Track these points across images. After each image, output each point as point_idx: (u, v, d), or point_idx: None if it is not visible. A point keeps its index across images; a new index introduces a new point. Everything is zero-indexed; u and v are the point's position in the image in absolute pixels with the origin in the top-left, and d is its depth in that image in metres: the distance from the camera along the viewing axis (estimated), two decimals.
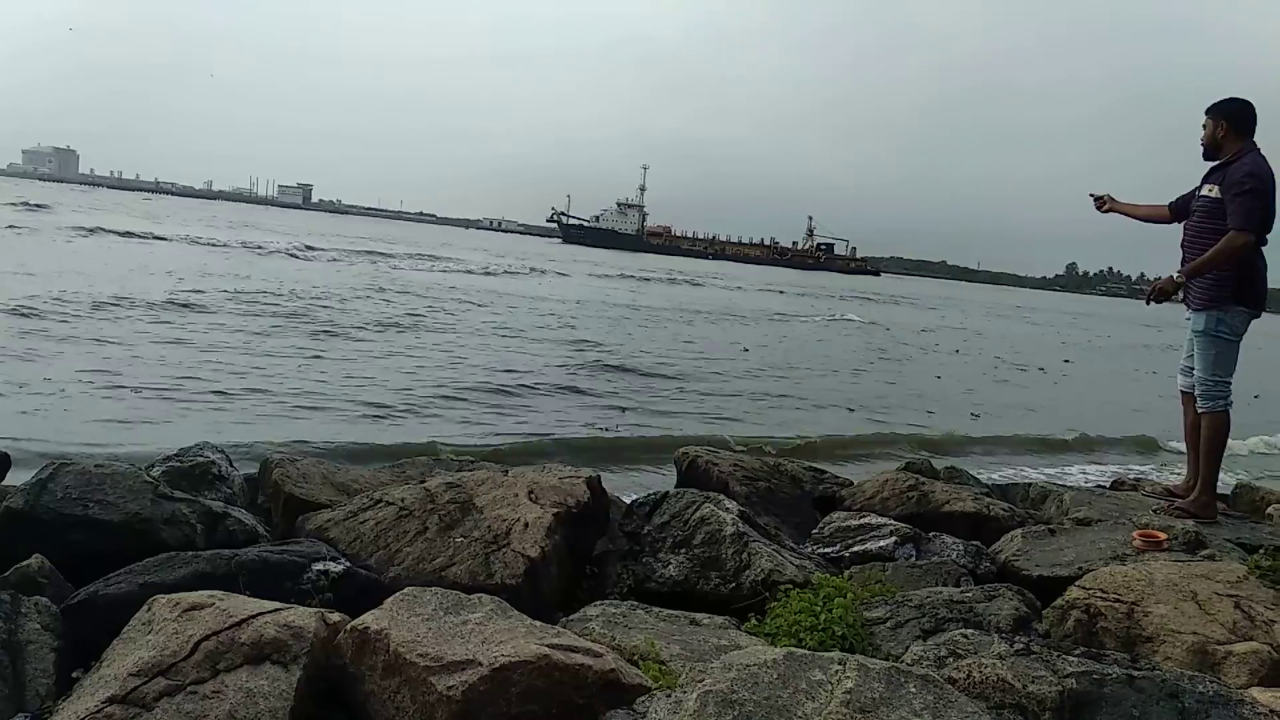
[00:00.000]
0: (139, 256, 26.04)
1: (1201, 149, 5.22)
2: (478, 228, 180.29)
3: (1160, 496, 5.56)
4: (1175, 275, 5.07)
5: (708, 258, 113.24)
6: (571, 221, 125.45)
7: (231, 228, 51.48)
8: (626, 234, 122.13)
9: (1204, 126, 5.19)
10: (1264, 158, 4.99)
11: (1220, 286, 5.02)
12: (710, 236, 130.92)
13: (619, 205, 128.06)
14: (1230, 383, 5.15)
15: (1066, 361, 23.54)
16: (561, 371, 12.86)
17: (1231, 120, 5.06)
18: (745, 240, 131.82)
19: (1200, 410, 5.21)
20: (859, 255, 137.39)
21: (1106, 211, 5.63)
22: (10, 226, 31.16)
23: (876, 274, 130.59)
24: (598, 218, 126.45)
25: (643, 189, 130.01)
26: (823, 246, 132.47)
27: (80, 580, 3.22)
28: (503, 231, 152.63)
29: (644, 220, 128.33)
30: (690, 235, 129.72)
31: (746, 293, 43.24)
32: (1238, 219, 4.87)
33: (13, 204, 46.38)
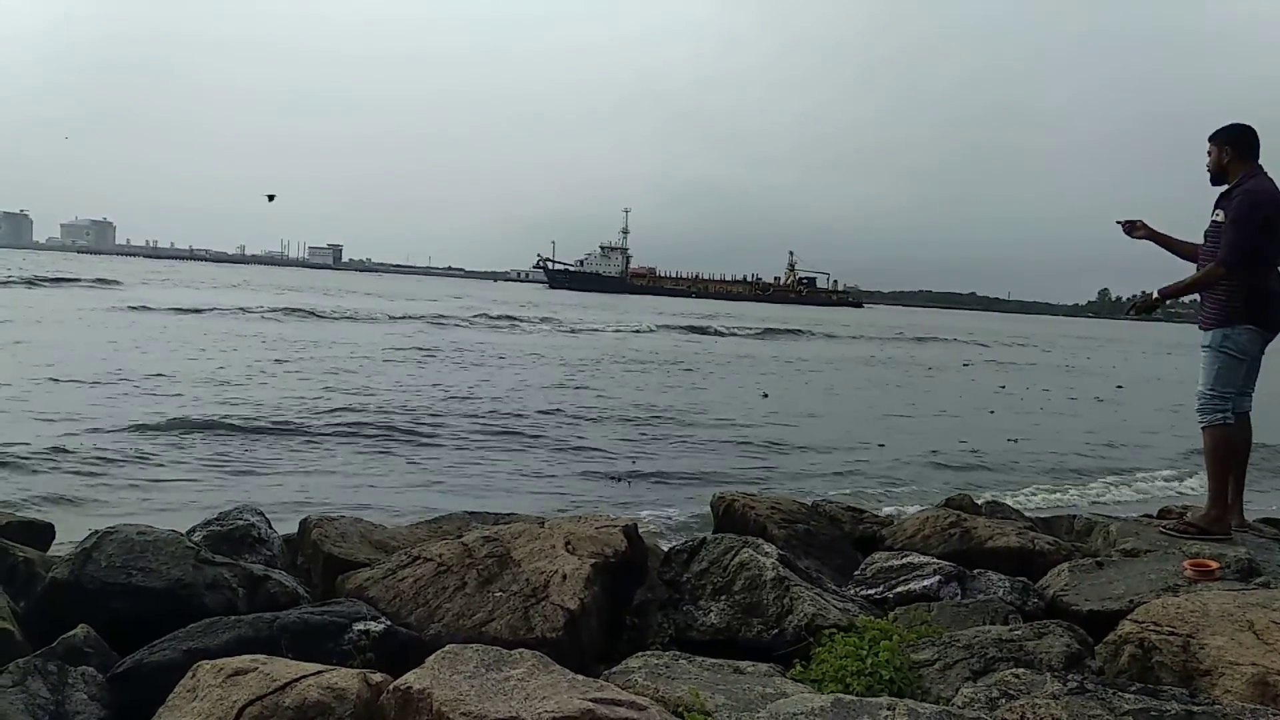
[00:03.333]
0: (368, 338, 26.04)
1: (1209, 175, 5.24)
2: (505, 279, 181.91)
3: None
4: (1155, 293, 5.13)
5: (691, 296, 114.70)
6: (557, 267, 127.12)
7: (344, 295, 52.63)
8: (610, 276, 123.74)
9: (1209, 154, 5.22)
10: (1270, 180, 5.03)
11: (1229, 305, 5.05)
12: (693, 275, 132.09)
13: (602, 248, 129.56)
14: (1229, 398, 5.13)
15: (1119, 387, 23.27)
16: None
17: (1235, 145, 5.12)
18: (728, 278, 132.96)
19: (1200, 424, 5.20)
20: (847, 287, 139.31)
21: (1140, 238, 5.58)
22: (136, 307, 31.11)
23: (859, 305, 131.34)
24: (581, 262, 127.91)
25: (625, 231, 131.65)
26: (804, 280, 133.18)
27: (125, 648, 3.25)
28: (530, 282, 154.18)
29: (628, 262, 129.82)
30: (674, 275, 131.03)
31: (839, 341, 42.28)
32: (1223, 251, 4.94)
33: (83, 279, 46.20)
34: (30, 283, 41.89)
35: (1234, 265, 4.94)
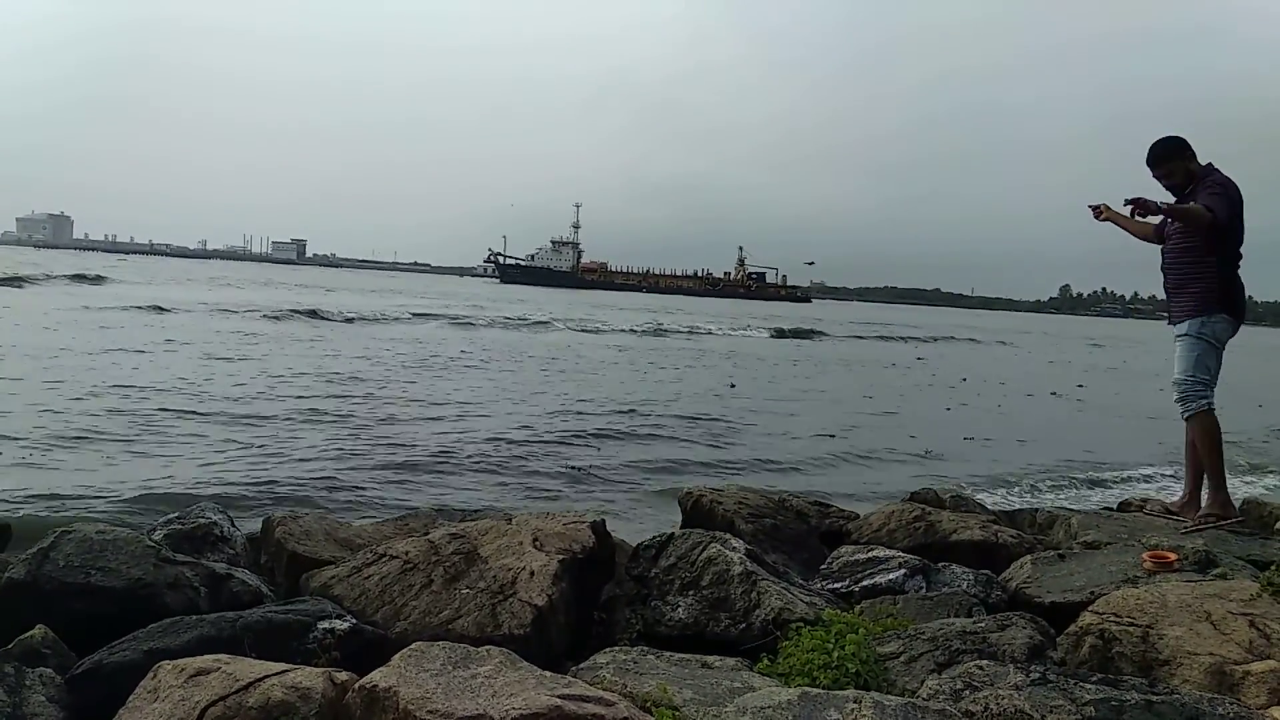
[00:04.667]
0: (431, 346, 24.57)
1: (1173, 192, 5.39)
2: (472, 275, 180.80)
3: (1159, 515, 5.56)
4: (1162, 204, 5.19)
5: (642, 291, 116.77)
6: (509, 262, 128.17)
7: (338, 294, 51.79)
8: (561, 271, 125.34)
9: (1164, 175, 5.39)
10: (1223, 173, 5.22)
11: (1204, 297, 5.24)
12: (644, 270, 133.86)
13: (553, 243, 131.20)
14: (1210, 384, 5.27)
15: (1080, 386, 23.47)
16: None
17: (1185, 156, 5.27)
18: (678, 272, 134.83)
19: (1184, 415, 5.34)
20: (813, 283, 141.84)
21: (1103, 220, 5.72)
22: (154, 307, 29.67)
23: (807, 300, 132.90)
24: (532, 256, 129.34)
25: (576, 226, 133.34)
26: (753, 276, 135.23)
27: (85, 649, 3.20)
28: (488, 277, 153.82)
29: (579, 257, 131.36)
30: (625, 270, 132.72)
31: (866, 341, 42.01)
32: (1218, 209, 5.09)
33: (66, 276, 44.33)
34: (15, 280, 40.52)
35: (1224, 221, 5.08)
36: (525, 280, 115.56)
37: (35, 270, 47.39)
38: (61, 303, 30.88)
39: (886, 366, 28.09)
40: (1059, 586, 4.14)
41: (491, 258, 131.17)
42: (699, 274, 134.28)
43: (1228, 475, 5.46)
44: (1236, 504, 6.09)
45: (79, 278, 45.57)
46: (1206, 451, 5.27)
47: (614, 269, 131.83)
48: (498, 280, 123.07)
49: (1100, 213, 5.72)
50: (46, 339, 18.98)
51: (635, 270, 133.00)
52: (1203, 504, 5.38)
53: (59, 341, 18.39)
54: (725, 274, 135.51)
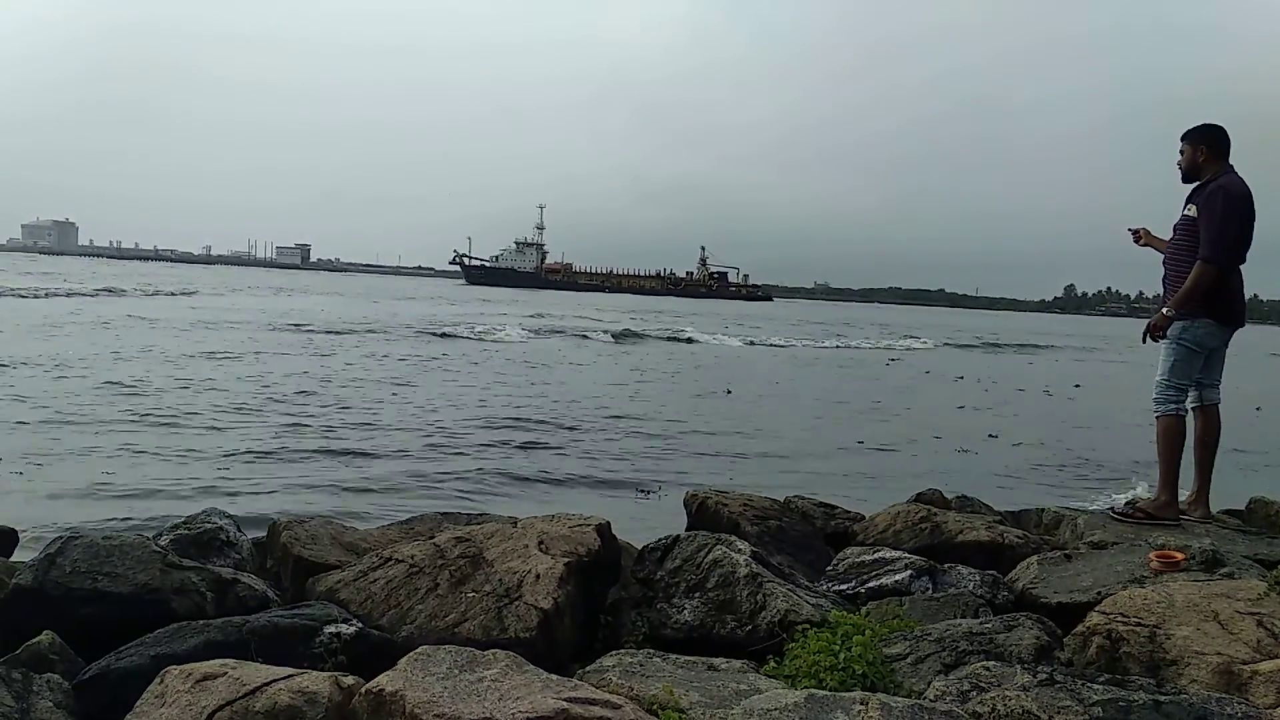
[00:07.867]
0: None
1: (1180, 173, 5.40)
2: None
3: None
4: (1165, 311, 5.25)
5: (604, 291, 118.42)
6: (474, 262, 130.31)
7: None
8: (525, 272, 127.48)
9: (1181, 152, 5.38)
10: (1240, 179, 5.19)
11: (1188, 300, 5.16)
12: (607, 270, 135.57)
13: (517, 244, 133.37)
14: (1184, 389, 5.32)
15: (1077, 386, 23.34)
16: None
17: (1209, 145, 5.29)
18: (641, 272, 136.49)
19: (1154, 413, 5.39)
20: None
21: (1143, 245, 5.78)
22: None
23: (769, 299, 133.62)
24: (497, 257, 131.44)
25: (540, 227, 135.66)
26: (715, 275, 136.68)
27: (92, 655, 3.21)
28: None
29: (543, 258, 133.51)
30: (588, 270, 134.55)
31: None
32: (1205, 249, 5.06)
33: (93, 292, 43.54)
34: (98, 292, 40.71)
35: (1220, 261, 5.07)
36: (488, 281, 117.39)
37: (58, 278, 47.64)
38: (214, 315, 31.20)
39: (887, 365, 28.01)
40: (1065, 587, 4.13)
41: (457, 259, 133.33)
42: (660, 274, 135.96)
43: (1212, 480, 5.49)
44: (1241, 503, 6.08)
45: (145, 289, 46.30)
46: (1161, 450, 5.36)
47: (578, 269, 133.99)
48: (464, 281, 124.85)
49: (1139, 237, 5.79)
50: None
51: (598, 270, 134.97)
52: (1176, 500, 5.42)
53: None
54: (688, 273, 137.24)
